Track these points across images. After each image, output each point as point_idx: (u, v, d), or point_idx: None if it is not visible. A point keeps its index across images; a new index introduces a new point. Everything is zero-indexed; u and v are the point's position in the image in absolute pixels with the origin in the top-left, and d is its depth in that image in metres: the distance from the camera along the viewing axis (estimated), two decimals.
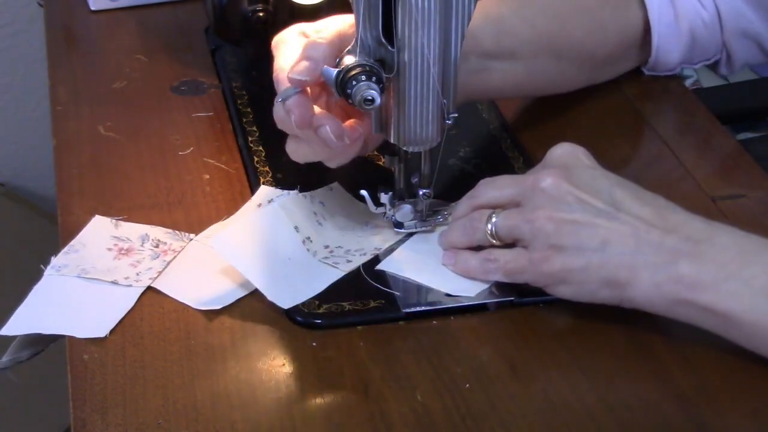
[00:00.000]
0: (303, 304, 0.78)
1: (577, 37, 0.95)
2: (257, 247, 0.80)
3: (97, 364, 0.74)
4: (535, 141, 0.96)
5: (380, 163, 0.91)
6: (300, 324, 0.77)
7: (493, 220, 0.77)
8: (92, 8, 1.16)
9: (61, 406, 0.82)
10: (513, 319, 0.78)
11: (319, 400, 0.71)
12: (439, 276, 0.81)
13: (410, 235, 0.85)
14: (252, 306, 0.78)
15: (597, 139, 0.96)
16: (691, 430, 0.70)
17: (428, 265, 0.82)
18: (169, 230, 0.85)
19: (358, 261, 0.82)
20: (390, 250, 0.84)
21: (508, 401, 0.71)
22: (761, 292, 0.69)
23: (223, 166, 0.93)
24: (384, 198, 0.84)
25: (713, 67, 1.05)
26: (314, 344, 0.76)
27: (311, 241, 0.83)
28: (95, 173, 0.92)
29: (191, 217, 0.86)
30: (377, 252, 0.83)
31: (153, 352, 0.75)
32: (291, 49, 0.80)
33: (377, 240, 0.84)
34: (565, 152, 0.79)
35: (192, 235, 0.84)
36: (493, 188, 0.80)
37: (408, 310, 0.78)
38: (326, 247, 0.83)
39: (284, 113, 0.78)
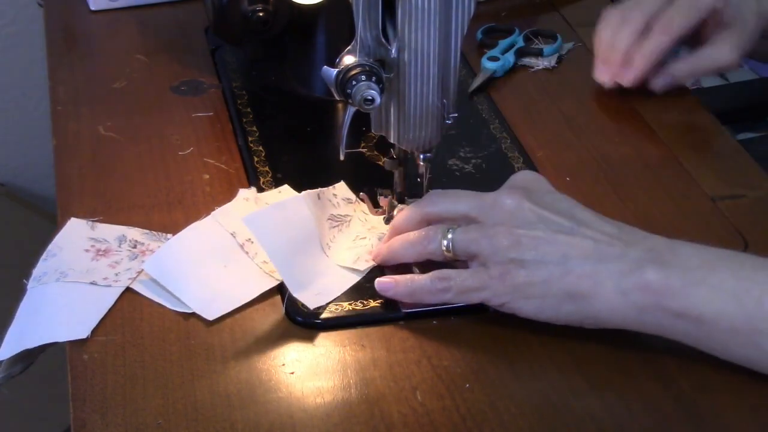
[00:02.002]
0: (302, 303, 0.78)
1: None
2: (190, 263, 0.80)
3: (97, 364, 0.74)
4: (535, 141, 0.96)
5: (380, 163, 0.91)
6: (300, 324, 0.77)
7: (449, 235, 0.75)
8: (92, 8, 1.16)
9: (61, 406, 0.82)
10: (513, 319, 0.77)
11: (319, 400, 0.71)
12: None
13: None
14: (252, 306, 0.78)
15: (597, 140, 0.97)
16: (691, 430, 0.70)
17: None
18: (146, 231, 0.85)
19: None
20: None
21: (508, 401, 0.71)
22: (732, 295, 0.69)
23: (223, 166, 0.93)
24: (383, 201, 0.84)
25: None
26: (314, 344, 0.76)
27: (252, 243, 0.82)
28: (95, 173, 0.92)
29: (191, 217, 0.86)
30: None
31: (153, 352, 0.75)
32: None
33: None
34: (527, 177, 0.78)
35: (169, 235, 0.84)
36: (448, 200, 0.78)
37: (408, 310, 0.78)
38: None
39: None
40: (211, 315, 0.77)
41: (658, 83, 1.01)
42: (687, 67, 1.00)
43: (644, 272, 0.70)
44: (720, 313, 0.69)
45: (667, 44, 0.97)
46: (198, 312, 0.77)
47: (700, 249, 0.72)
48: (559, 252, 0.72)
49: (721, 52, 0.97)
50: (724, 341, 0.70)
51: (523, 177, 0.78)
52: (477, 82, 1.04)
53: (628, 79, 1.00)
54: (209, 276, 0.80)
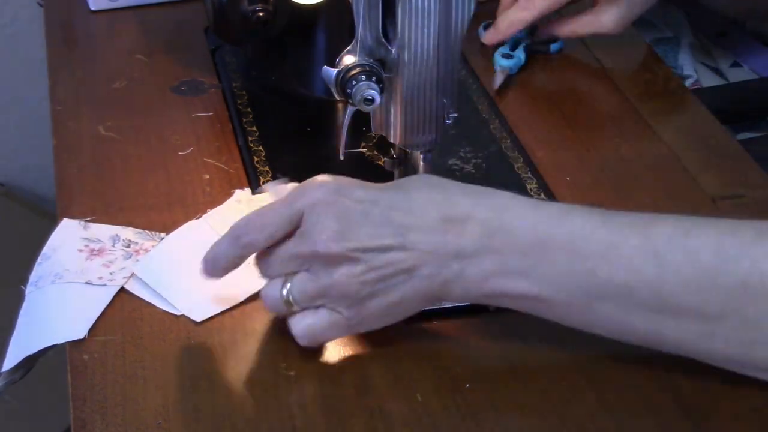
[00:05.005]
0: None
1: None
2: (179, 265, 0.80)
3: (97, 364, 0.74)
4: (535, 141, 0.96)
5: (380, 163, 0.91)
6: None
7: (288, 285, 0.72)
8: (92, 8, 1.16)
9: (61, 406, 0.82)
10: (513, 319, 0.77)
11: (318, 400, 0.71)
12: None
13: None
14: (252, 306, 0.78)
15: (597, 140, 0.97)
16: (691, 430, 0.70)
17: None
18: (140, 230, 0.85)
19: None
20: None
21: (508, 401, 0.71)
22: (565, 273, 0.69)
23: (223, 166, 0.93)
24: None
25: None
26: None
27: None
28: (95, 173, 0.92)
29: (191, 217, 0.86)
30: None
31: (153, 352, 0.75)
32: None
33: None
34: (321, 198, 0.71)
35: (163, 234, 0.84)
36: (257, 227, 0.72)
37: None
38: None
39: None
40: (198, 317, 0.77)
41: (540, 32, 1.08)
42: (568, 28, 1.06)
43: (482, 263, 0.69)
44: (555, 291, 0.69)
45: (528, 20, 1.05)
46: (185, 313, 0.77)
47: (537, 222, 0.70)
48: (403, 271, 0.70)
49: (600, 21, 1.03)
50: (563, 315, 0.71)
51: (318, 200, 0.71)
52: (498, 80, 1.03)
53: (488, 39, 1.08)
54: (198, 278, 0.80)
